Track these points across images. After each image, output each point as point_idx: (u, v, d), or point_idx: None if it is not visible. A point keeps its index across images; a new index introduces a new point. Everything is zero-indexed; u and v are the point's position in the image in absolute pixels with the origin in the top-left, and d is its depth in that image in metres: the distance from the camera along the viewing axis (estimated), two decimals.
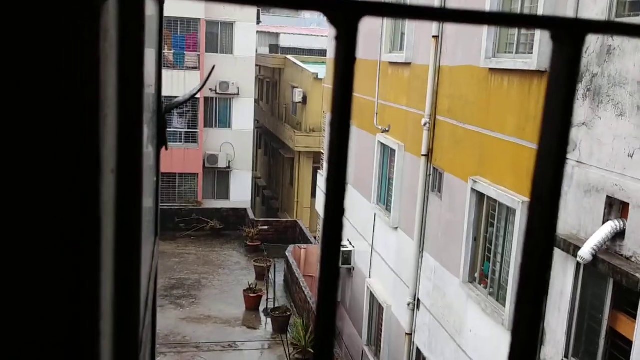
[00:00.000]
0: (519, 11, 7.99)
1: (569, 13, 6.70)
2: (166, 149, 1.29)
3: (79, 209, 0.43)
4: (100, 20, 0.41)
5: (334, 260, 0.38)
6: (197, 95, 24.30)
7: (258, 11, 26.69)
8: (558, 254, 6.66)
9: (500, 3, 8.36)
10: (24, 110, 0.42)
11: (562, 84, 0.33)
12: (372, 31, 13.03)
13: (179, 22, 24.66)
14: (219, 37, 25.77)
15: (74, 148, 0.42)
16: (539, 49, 7.24)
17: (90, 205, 0.43)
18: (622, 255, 5.76)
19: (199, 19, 24.75)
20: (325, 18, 0.34)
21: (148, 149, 1.09)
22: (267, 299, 16.83)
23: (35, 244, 0.44)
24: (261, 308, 16.99)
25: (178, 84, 23.79)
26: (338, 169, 0.33)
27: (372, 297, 12.92)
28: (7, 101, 0.42)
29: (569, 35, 0.33)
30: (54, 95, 0.42)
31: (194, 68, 24.76)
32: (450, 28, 9.78)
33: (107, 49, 0.43)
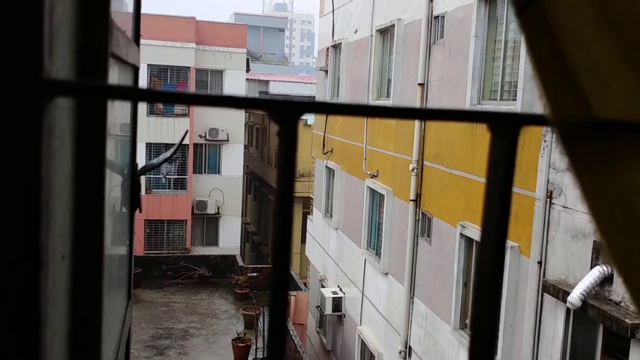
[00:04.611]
0: (500, 70, 8.17)
1: None
2: (140, 211, 1.29)
3: (19, 298, 0.43)
4: (44, 118, 0.42)
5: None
6: (187, 142, 24.41)
7: (247, 59, 27.12)
8: (548, 299, 6.61)
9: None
10: None
11: (501, 174, 0.34)
12: (359, 78, 13.25)
13: (169, 70, 24.97)
14: (208, 85, 26.08)
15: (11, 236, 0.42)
16: (523, 96, 7.38)
17: (30, 295, 0.43)
18: (611, 300, 5.74)
19: (189, 67, 25.09)
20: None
21: (121, 212, 1.09)
22: (256, 349, 16.50)
23: None
24: (250, 358, 16.63)
25: (167, 130, 23.96)
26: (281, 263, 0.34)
27: (364, 345, 12.71)
28: None
29: (505, 128, 0.34)
30: None
31: (183, 115, 24.96)
32: (436, 76, 9.98)
33: (56, 143, 0.44)
